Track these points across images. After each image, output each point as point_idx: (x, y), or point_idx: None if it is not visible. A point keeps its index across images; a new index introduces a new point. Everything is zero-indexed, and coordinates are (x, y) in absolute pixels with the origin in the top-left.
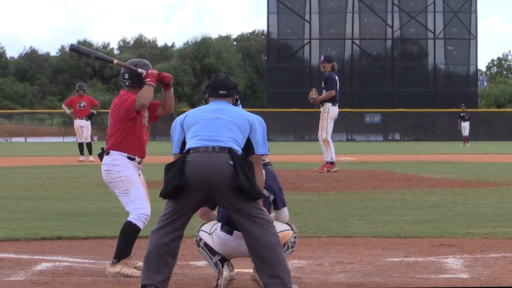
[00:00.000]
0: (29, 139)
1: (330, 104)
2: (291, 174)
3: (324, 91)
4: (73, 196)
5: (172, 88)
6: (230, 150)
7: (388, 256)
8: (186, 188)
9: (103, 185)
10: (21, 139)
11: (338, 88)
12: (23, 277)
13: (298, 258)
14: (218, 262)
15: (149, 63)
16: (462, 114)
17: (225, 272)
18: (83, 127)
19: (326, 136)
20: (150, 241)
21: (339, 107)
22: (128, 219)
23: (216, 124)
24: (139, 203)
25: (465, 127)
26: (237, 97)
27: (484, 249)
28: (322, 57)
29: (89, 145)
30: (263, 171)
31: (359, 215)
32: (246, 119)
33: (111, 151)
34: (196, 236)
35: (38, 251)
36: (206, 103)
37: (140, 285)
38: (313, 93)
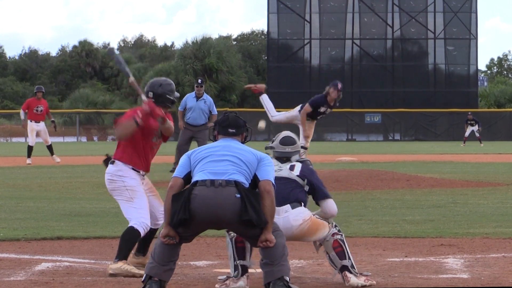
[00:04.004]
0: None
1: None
2: None
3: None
4: (73, 196)
5: (167, 121)
6: (237, 183)
7: (388, 256)
8: (192, 220)
9: (103, 185)
10: (21, 139)
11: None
12: (23, 277)
13: (298, 258)
14: (240, 267)
15: (172, 84)
16: (470, 122)
17: (240, 282)
18: (40, 131)
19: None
20: (159, 235)
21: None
22: (131, 224)
23: (224, 160)
24: (141, 213)
25: (474, 130)
26: (246, 135)
27: (484, 249)
28: (340, 85)
29: (49, 147)
30: (273, 198)
31: (359, 215)
32: (253, 155)
33: (117, 161)
34: None
35: (38, 251)
36: (215, 139)
37: (145, 275)
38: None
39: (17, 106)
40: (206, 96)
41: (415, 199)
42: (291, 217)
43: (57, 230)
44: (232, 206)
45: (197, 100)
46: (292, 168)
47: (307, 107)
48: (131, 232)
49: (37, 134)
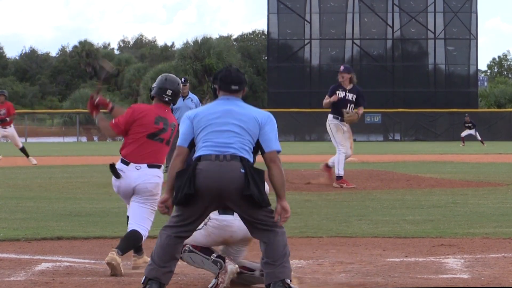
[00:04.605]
0: (29, 139)
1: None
2: (291, 174)
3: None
4: (73, 196)
5: (110, 106)
6: (242, 159)
7: (388, 256)
8: (197, 196)
9: (103, 185)
10: (21, 139)
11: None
12: (24, 277)
13: (298, 258)
14: (218, 259)
15: (173, 79)
16: (467, 125)
17: (230, 266)
18: (8, 136)
19: (340, 147)
20: (160, 236)
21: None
22: (138, 230)
23: (227, 131)
24: (150, 225)
25: (471, 133)
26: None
27: (485, 249)
28: (342, 67)
29: (22, 149)
30: (281, 167)
31: (359, 215)
32: (255, 122)
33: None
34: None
35: (39, 251)
36: (215, 94)
37: (144, 277)
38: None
39: (17, 106)
40: (192, 95)
41: (415, 199)
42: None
43: (57, 230)
44: (236, 179)
45: (183, 100)
46: None
47: (326, 97)
48: (138, 236)
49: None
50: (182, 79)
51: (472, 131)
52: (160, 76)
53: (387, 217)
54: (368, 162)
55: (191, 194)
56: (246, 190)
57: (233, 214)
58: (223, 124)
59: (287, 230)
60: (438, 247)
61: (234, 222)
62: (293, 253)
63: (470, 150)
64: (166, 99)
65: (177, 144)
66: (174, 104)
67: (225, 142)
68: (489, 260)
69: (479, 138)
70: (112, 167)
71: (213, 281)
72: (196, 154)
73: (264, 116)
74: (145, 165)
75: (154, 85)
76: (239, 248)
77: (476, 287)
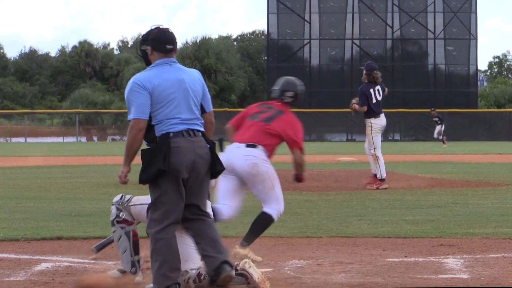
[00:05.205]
0: (29, 139)
1: (372, 117)
2: (291, 174)
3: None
4: (73, 196)
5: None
6: (203, 133)
7: (388, 256)
8: (178, 172)
9: (103, 185)
10: (21, 139)
11: (376, 98)
12: (23, 277)
13: (298, 258)
14: (136, 263)
15: (294, 83)
16: (435, 119)
17: (138, 278)
18: None
19: (375, 151)
20: (159, 240)
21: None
22: (267, 211)
23: (188, 105)
24: (280, 201)
25: (440, 130)
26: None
27: (484, 249)
28: (366, 66)
29: None
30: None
31: (359, 215)
32: (200, 83)
33: (259, 145)
34: (118, 212)
35: (38, 251)
36: (146, 57)
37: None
38: (354, 101)
39: (17, 106)
40: None
41: (415, 199)
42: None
43: (57, 230)
44: (206, 155)
45: None
46: None
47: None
48: (267, 219)
49: None
50: None
51: (440, 127)
52: (281, 78)
53: (387, 217)
54: (368, 162)
55: (164, 171)
56: (219, 166)
57: None
58: (183, 98)
59: (287, 230)
60: (438, 247)
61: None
62: (293, 253)
63: (471, 150)
64: (287, 100)
65: (137, 116)
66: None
67: (189, 118)
68: (489, 260)
69: (440, 136)
70: None
71: (118, 272)
72: (163, 130)
73: (201, 76)
74: None
75: (276, 87)
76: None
77: (476, 287)
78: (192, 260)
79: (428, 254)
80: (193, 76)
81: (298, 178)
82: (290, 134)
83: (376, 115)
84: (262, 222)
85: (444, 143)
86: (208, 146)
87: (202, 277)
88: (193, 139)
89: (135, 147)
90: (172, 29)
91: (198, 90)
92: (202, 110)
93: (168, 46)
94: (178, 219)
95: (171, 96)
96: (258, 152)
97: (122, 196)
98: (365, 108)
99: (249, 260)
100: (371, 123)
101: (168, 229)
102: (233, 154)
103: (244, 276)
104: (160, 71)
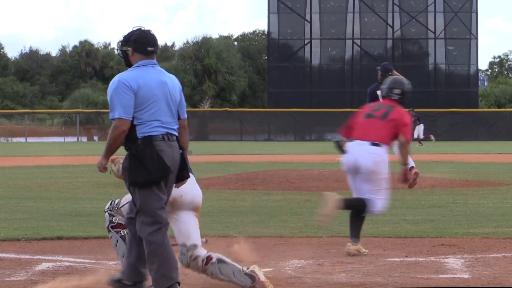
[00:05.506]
0: (30, 139)
1: None
2: (291, 174)
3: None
4: (73, 196)
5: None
6: (177, 138)
7: (388, 256)
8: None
9: (103, 185)
10: (22, 139)
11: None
12: (24, 277)
13: (298, 258)
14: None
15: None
16: (414, 119)
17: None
18: None
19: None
20: (154, 242)
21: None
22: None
23: (168, 108)
24: (384, 202)
25: (420, 130)
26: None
27: (485, 249)
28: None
29: None
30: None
31: None
32: (179, 90)
33: (382, 144)
34: (111, 217)
35: (39, 251)
36: (126, 58)
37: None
38: None
39: (17, 106)
40: None
41: (415, 199)
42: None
43: (57, 230)
44: (178, 159)
45: None
46: None
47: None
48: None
49: None
50: None
51: (419, 127)
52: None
53: (387, 217)
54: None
55: (168, 174)
56: (186, 172)
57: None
58: (164, 101)
59: (288, 230)
60: (438, 247)
61: (186, 183)
62: (293, 252)
63: (470, 150)
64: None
65: (122, 116)
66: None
67: (168, 122)
68: (489, 260)
69: (421, 136)
70: None
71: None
72: (145, 132)
73: (179, 82)
74: None
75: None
76: (187, 214)
77: (476, 287)
78: (193, 235)
79: (428, 254)
80: (173, 81)
81: (404, 176)
82: (405, 119)
83: None
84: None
85: (420, 143)
86: (180, 151)
87: (211, 261)
88: (171, 143)
89: (116, 146)
90: (153, 32)
91: (177, 95)
92: (178, 116)
93: (149, 48)
94: (167, 219)
95: (154, 98)
96: (382, 151)
97: (111, 201)
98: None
99: (256, 266)
100: None
101: (161, 231)
102: (358, 151)
103: (252, 277)
104: (144, 72)
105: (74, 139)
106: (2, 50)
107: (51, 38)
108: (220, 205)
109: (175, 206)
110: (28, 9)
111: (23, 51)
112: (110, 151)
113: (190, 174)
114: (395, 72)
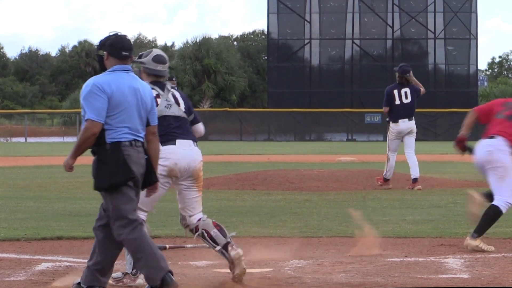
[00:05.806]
0: (29, 139)
1: (391, 121)
2: (291, 174)
3: None
4: (73, 196)
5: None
6: (142, 144)
7: (388, 256)
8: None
9: None
10: (21, 139)
11: (401, 100)
12: (24, 277)
13: (298, 258)
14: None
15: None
16: None
17: (140, 280)
18: None
19: (388, 152)
20: (134, 240)
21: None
22: (495, 203)
23: (138, 115)
24: (510, 193)
25: None
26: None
27: None
28: (398, 68)
29: None
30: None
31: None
32: (151, 99)
33: (499, 136)
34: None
35: (39, 251)
36: (101, 62)
37: (160, 280)
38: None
39: (17, 106)
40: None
41: (415, 199)
42: (195, 150)
43: (57, 230)
44: (144, 165)
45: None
46: (177, 102)
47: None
48: (494, 210)
49: None
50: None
51: None
52: None
53: (387, 217)
54: (368, 162)
55: (133, 178)
56: (154, 178)
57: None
58: (135, 108)
59: (288, 230)
60: (438, 247)
61: (177, 150)
62: (293, 253)
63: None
64: None
65: (94, 118)
66: None
67: (136, 129)
68: (489, 260)
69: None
70: None
71: (119, 275)
72: (114, 138)
73: (151, 91)
74: None
75: None
76: (190, 186)
77: (476, 287)
78: (197, 206)
79: (428, 254)
80: (146, 88)
81: None
82: None
83: (394, 119)
84: (491, 214)
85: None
86: (146, 157)
87: (208, 234)
88: (138, 149)
89: (85, 147)
90: (129, 37)
91: (148, 103)
92: (147, 123)
93: (124, 53)
94: (141, 219)
95: (125, 104)
96: (496, 142)
97: None
98: (385, 109)
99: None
100: (389, 127)
101: (138, 229)
102: (479, 150)
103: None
104: (118, 77)
105: (74, 139)
106: (1, 50)
107: (51, 38)
108: (220, 205)
109: (174, 175)
110: (28, 9)
111: (23, 51)
112: (78, 151)
113: (187, 140)
114: (411, 74)
